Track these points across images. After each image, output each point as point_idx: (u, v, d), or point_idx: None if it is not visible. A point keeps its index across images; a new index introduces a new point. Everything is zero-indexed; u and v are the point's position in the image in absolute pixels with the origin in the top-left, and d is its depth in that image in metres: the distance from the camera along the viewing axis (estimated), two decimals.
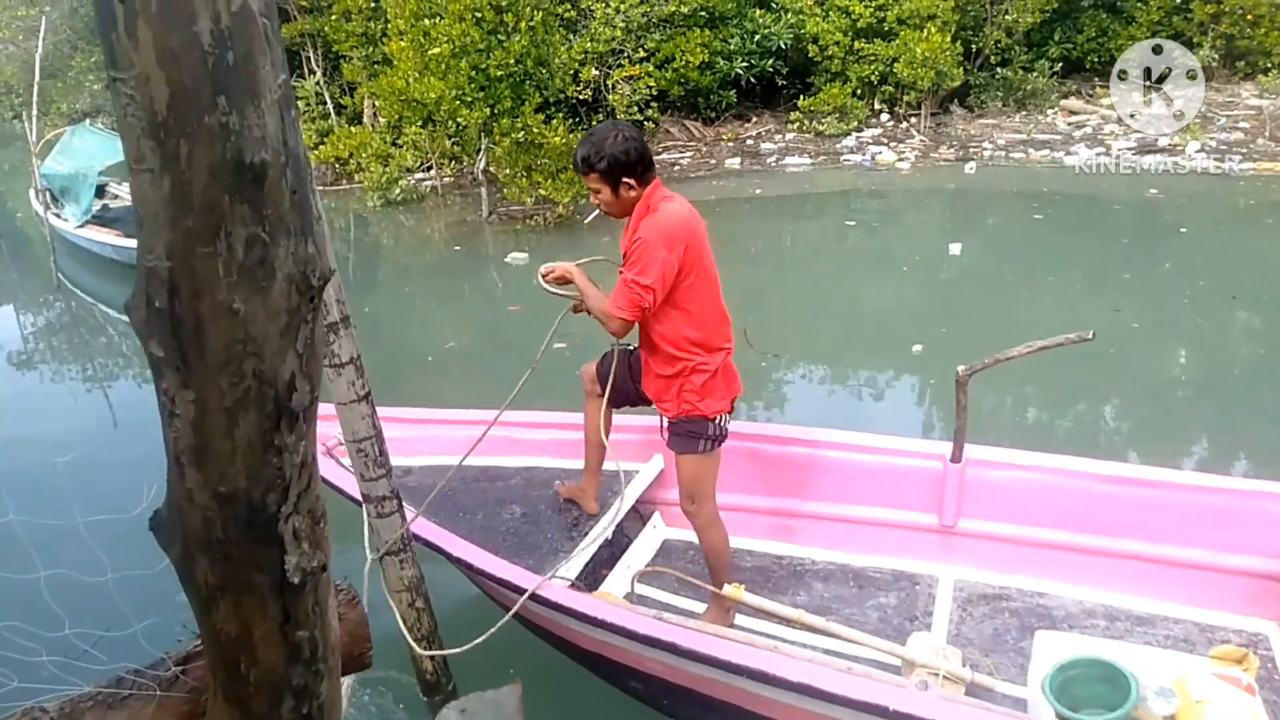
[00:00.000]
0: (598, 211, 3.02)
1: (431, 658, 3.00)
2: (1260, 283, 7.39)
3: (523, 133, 9.86)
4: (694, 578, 2.98)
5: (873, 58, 13.30)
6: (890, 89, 13.64)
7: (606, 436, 3.25)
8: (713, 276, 2.93)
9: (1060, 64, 14.02)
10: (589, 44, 12.43)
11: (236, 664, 1.44)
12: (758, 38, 13.45)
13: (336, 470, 3.19)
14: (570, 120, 12.06)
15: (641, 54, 13.15)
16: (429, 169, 12.79)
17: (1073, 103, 13.82)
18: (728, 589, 2.92)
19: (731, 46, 13.49)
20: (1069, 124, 13.27)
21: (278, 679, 1.46)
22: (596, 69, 12.81)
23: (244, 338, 1.14)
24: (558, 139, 9.92)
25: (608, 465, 3.35)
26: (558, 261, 3.01)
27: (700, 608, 3.20)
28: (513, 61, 9.70)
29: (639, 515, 3.61)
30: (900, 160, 12.65)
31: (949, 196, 11.38)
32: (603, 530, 3.24)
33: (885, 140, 13.56)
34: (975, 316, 6.90)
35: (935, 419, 5.37)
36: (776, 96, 14.84)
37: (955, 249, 8.33)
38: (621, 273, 2.84)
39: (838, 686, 2.24)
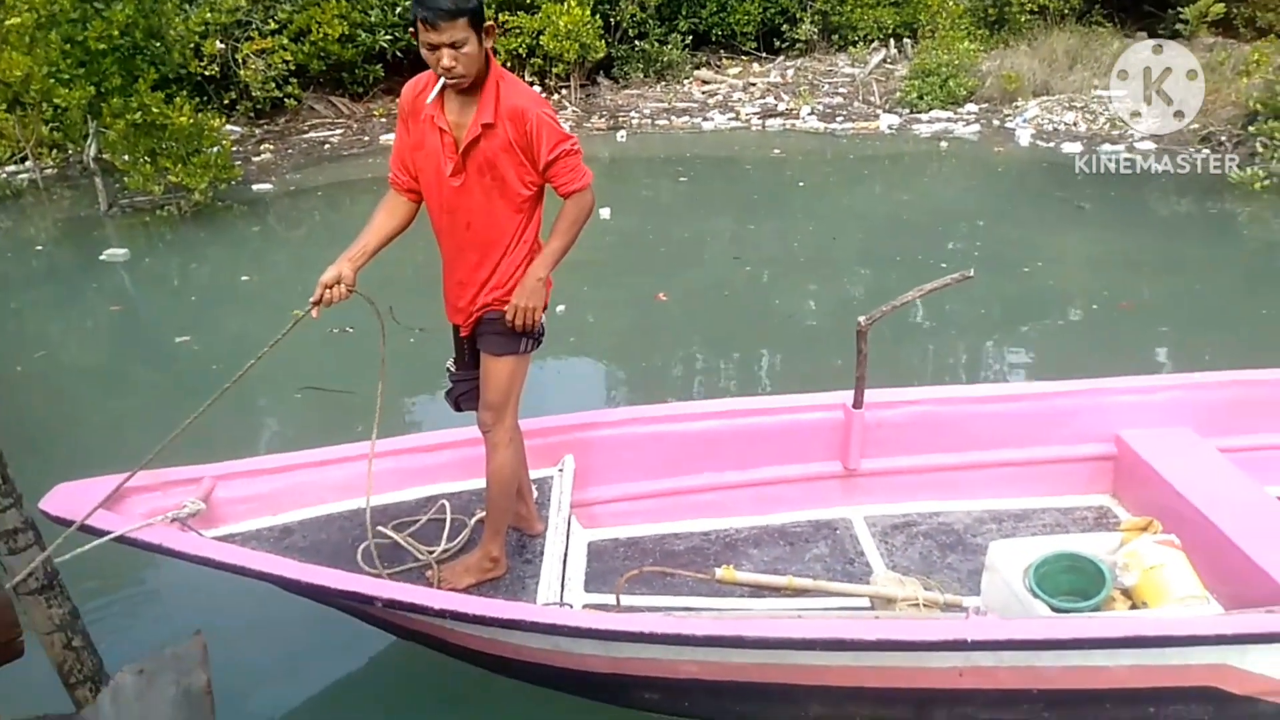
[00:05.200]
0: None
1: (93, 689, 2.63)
2: (854, 223, 8.74)
3: (140, 113, 8.73)
4: (677, 569, 2.91)
5: (519, 30, 13.44)
6: (539, 61, 13.89)
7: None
8: None
9: (690, 37, 15.06)
10: (209, 14, 11.32)
11: None
12: (399, 10, 13.03)
13: (198, 542, 2.70)
14: (197, 98, 10.96)
15: (273, 25, 12.22)
16: (24, 160, 11.02)
17: (704, 73, 14.95)
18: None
19: (373, 18, 12.95)
20: (703, 93, 14.34)
21: None
22: (222, 42, 11.73)
23: None
24: (184, 119, 8.93)
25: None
26: (330, 270, 2.60)
27: (672, 601, 3.01)
28: (117, 33, 8.54)
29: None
30: None
31: (604, 164, 11.85)
32: (559, 544, 3.00)
33: None
34: (616, 276, 7.38)
35: (579, 371, 5.77)
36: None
37: (605, 213, 8.74)
38: (560, 152, 2.65)
39: (909, 634, 2.28)
